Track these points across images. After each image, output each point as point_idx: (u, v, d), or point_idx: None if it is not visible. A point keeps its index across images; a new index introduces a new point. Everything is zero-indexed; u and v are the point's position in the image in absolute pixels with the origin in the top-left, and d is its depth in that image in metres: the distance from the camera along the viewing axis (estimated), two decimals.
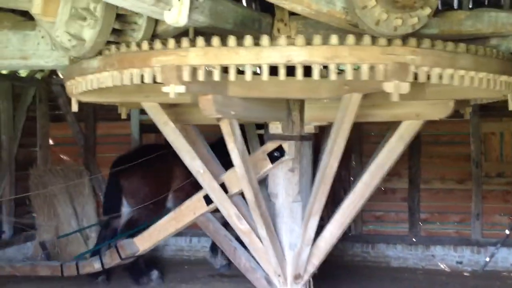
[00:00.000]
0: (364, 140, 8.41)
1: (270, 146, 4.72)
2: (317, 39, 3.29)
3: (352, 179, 7.88)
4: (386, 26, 3.34)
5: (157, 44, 3.44)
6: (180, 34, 3.73)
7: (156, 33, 3.71)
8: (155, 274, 7.16)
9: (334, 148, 4.18)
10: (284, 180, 4.78)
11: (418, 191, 8.28)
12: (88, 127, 9.26)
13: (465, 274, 7.69)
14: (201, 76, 3.37)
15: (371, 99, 4.21)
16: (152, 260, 7.55)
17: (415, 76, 3.35)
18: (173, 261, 8.58)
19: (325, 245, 4.67)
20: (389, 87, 3.29)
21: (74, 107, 4.28)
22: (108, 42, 3.60)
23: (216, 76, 3.37)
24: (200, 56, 3.34)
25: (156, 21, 3.65)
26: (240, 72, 3.42)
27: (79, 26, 3.48)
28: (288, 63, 3.29)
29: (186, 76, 3.35)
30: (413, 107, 4.33)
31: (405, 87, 3.29)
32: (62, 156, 9.31)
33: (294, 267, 4.67)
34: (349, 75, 3.33)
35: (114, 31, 3.55)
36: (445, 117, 4.34)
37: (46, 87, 9.15)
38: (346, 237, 7.71)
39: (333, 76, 3.34)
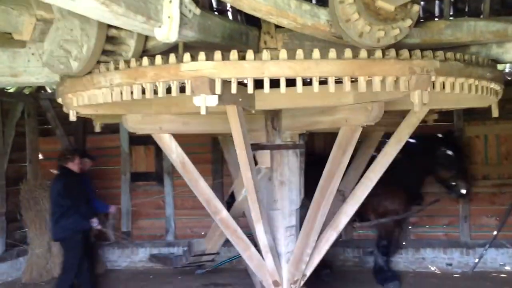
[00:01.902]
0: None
1: None
2: (132, 62, 3.59)
3: None
4: (369, 38, 3.45)
5: None
6: (170, 48, 3.81)
7: (147, 48, 3.79)
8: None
9: (240, 158, 4.20)
10: (264, 188, 4.91)
11: None
12: (78, 140, 9.28)
13: (455, 275, 7.78)
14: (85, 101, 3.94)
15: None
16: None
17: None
18: (166, 272, 8.60)
19: (299, 253, 4.67)
20: (198, 101, 3.37)
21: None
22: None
23: (95, 100, 3.88)
24: (70, 85, 4.03)
25: (146, 37, 3.73)
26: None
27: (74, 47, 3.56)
28: (112, 86, 3.67)
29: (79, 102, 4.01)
30: (343, 113, 4.29)
31: (212, 100, 3.36)
32: (52, 170, 9.29)
33: (270, 273, 4.71)
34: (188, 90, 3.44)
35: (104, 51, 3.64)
36: (372, 122, 4.14)
37: (34, 102, 9.18)
38: (337, 242, 7.78)
39: (174, 92, 3.49)
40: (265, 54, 3.37)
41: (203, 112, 3.36)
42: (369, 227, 7.70)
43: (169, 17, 3.17)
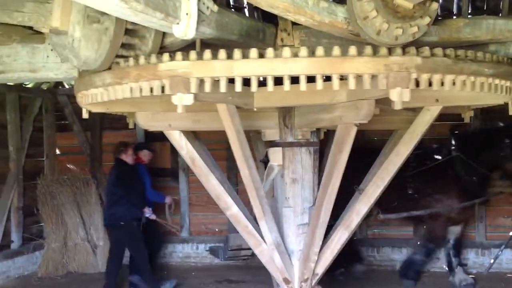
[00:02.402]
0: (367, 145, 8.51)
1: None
2: (122, 62, 3.72)
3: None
4: (387, 35, 3.43)
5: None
6: (187, 45, 3.83)
7: (164, 45, 3.81)
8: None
9: (235, 155, 4.28)
10: (279, 185, 4.92)
11: None
12: (94, 136, 9.37)
13: (470, 276, 7.72)
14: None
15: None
16: None
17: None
18: (180, 268, 8.67)
19: (307, 251, 4.66)
20: (175, 100, 3.45)
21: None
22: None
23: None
24: (77, 84, 4.20)
25: (164, 34, 3.75)
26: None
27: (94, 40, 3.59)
28: (104, 86, 3.82)
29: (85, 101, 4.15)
30: (339, 111, 4.23)
31: (188, 99, 3.42)
32: (69, 166, 9.41)
33: (280, 270, 4.72)
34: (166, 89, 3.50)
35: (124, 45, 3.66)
36: (363, 120, 4.04)
37: (52, 97, 9.28)
38: (352, 241, 7.76)
39: (155, 91, 3.57)
40: (236, 53, 3.41)
41: (179, 110, 3.46)
42: (397, 219, 7.50)
43: (187, 14, 3.18)
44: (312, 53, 3.36)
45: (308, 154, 4.86)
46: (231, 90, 3.55)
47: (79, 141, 9.38)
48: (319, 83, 3.38)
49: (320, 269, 4.72)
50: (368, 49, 3.36)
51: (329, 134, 5.77)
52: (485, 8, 6.86)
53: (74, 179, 8.84)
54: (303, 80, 3.39)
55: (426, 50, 3.42)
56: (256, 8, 5.71)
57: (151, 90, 3.56)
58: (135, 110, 4.65)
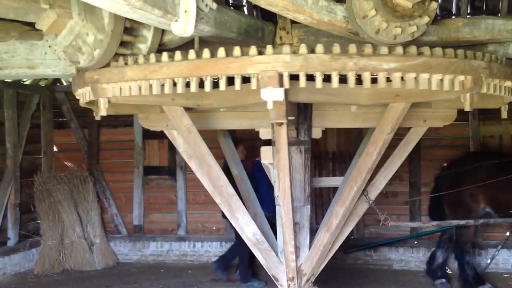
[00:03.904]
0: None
1: None
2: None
3: None
4: (386, 34, 3.43)
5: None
6: (186, 43, 3.83)
7: (163, 42, 3.80)
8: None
9: (194, 153, 4.56)
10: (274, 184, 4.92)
11: (419, 194, 8.33)
12: (92, 133, 9.35)
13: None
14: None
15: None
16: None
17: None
18: (177, 266, 8.66)
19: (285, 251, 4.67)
20: (98, 103, 3.82)
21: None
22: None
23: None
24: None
25: (163, 31, 3.74)
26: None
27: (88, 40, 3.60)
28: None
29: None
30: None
31: (104, 103, 3.81)
32: (66, 163, 9.39)
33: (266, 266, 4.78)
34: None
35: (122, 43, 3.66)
36: (277, 120, 3.99)
37: (50, 94, 9.27)
38: (348, 240, 7.76)
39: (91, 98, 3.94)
40: (130, 60, 3.64)
41: (100, 113, 3.83)
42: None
43: (185, 11, 3.18)
44: (185, 57, 3.45)
45: (299, 153, 4.81)
46: (172, 93, 3.63)
47: (77, 138, 9.36)
48: (193, 85, 3.48)
49: (308, 269, 4.70)
50: (237, 50, 3.35)
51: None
52: (484, 8, 6.87)
53: (71, 176, 8.83)
54: (180, 83, 3.51)
55: (302, 48, 3.32)
56: (255, 6, 5.70)
57: (89, 95, 3.90)
58: (137, 112, 4.90)
